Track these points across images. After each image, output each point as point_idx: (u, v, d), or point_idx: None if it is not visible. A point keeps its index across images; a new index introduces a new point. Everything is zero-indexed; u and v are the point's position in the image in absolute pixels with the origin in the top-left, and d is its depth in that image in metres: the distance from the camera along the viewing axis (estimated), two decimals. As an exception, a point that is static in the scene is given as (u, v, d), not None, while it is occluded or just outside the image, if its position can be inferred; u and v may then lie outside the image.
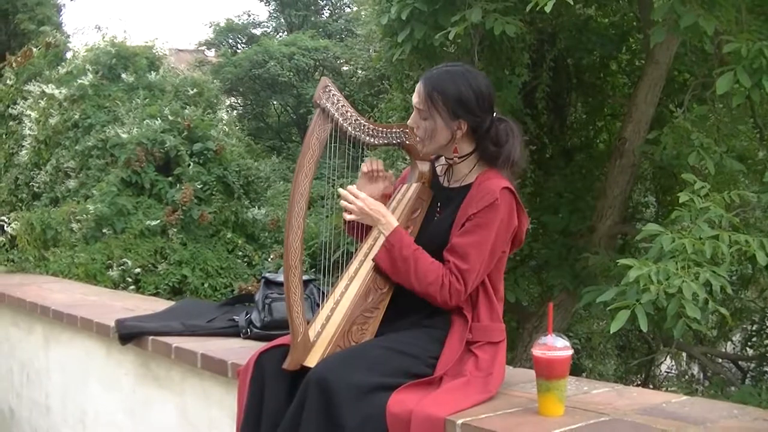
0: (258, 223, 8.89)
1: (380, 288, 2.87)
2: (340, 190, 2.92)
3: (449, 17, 6.87)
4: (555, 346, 2.48)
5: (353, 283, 2.89)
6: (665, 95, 8.67)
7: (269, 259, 8.52)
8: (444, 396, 2.58)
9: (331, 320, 2.84)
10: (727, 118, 7.40)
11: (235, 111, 19.27)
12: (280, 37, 24.09)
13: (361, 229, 3.03)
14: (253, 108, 22.33)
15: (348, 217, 2.90)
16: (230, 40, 24.96)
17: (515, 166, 2.92)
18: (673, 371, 12.17)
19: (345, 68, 20.23)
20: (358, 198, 2.88)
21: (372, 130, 2.95)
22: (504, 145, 2.89)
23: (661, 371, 12.17)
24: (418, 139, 2.96)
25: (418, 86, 2.93)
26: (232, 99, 20.83)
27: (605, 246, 8.34)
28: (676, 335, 5.59)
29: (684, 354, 11.03)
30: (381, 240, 2.91)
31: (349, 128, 2.88)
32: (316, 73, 21.29)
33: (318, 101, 2.82)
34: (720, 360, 10.91)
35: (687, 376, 11.69)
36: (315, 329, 2.83)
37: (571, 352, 2.50)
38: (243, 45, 24.59)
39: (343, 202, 2.90)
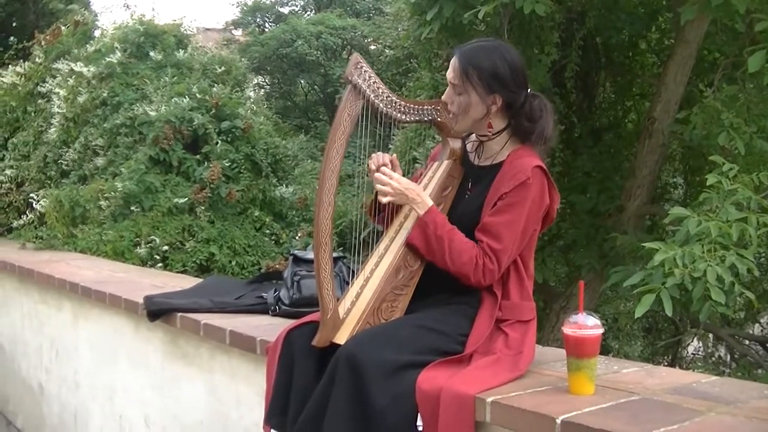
0: (285, 202, 8.88)
1: (410, 265, 2.87)
2: (376, 174, 2.90)
3: (479, -5, 6.83)
4: (586, 325, 2.47)
5: (383, 260, 2.89)
6: (695, 75, 8.60)
7: (296, 237, 8.52)
8: (474, 373, 2.58)
9: (360, 297, 2.84)
10: (758, 98, 7.34)
11: (262, 90, 19.29)
12: (308, 16, 24.06)
13: (385, 215, 3.02)
14: (281, 87, 22.34)
15: (384, 199, 2.88)
16: (258, 19, 24.94)
17: (548, 142, 2.92)
18: (700, 353, 12.13)
19: (372, 47, 20.19)
20: (392, 179, 2.87)
21: (404, 107, 2.92)
22: (538, 120, 2.88)
23: (688, 353, 12.13)
24: (452, 114, 2.95)
25: (453, 61, 2.91)
26: (260, 78, 20.83)
27: (633, 226, 8.31)
28: (702, 318, 5.58)
29: (711, 335, 10.99)
30: (411, 217, 2.91)
31: (381, 105, 2.86)
32: (344, 52, 21.28)
33: (350, 77, 2.80)
34: (747, 342, 10.86)
35: (714, 358, 11.66)
36: (345, 306, 2.83)
37: (601, 330, 2.49)
38: (270, 24, 24.57)
39: (377, 185, 2.89)
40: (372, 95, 2.84)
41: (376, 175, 2.90)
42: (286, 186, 8.99)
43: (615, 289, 8.31)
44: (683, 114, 7.43)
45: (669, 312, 5.31)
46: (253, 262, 8.04)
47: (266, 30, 23.62)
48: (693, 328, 9.63)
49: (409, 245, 2.87)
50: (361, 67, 2.83)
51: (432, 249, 2.81)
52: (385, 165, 2.99)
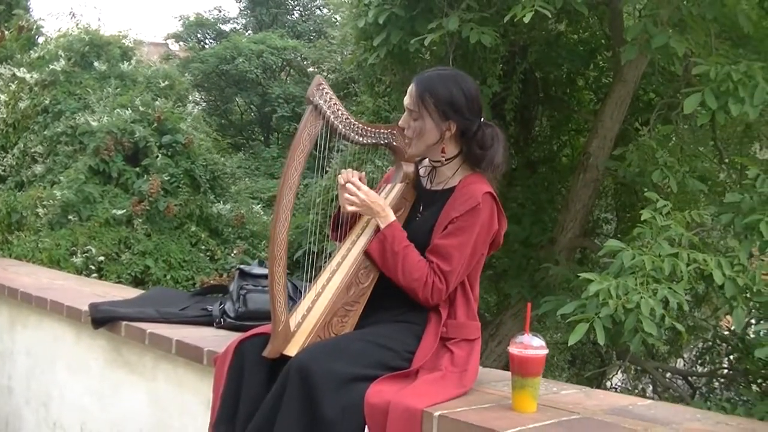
0: (222, 218, 8.93)
1: (361, 282, 2.94)
2: (347, 184, 2.99)
3: (426, 24, 6.96)
4: (531, 345, 2.58)
5: (335, 276, 2.96)
6: (630, 113, 8.81)
7: (232, 254, 8.57)
8: (421, 388, 2.66)
9: (312, 311, 2.90)
10: (691, 139, 7.56)
11: (198, 107, 19.28)
12: (249, 35, 24.03)
13: (342, 232, 3.10)
14: (217, 105, 22.26)
15: (349, 208, 2.98)
16: (198, 35, 24.84)
17: (498, 170, 3.02)
18: (624, 385, 12.31)
19: (311, 69, 20.27)
20: (360, 190, 2.96)
21: (362, 130, 3.01)
22: (489, 148, 2.98)
23: (612, 384, 12.30)
24: (407, 140, 3.04)
25: (410, 88, 3.01)
26: (197, 95, 20.79)
27: (565, 258, 8.46)
28: (633, 349, 5.72)
29: (634, 368, 11.18)
30: (365, 234, 2.99)
31: (340, 126, 2.94)
32: (282, 73, 21.32)
33: (311, 98, 2.88)
34: (670, 375, 11.06)
35: (638, 391, 11.83)
36: (296, 319, 2.89)
37: (546, 351, 2.60)
38: (211, 41, 24.50)
39: (345, 195, 2.98)
40: (332, 116, 2.92)
41: (347, 185, 2.99)
42: (224, 203, 9.04)
43: (543, 320, 8.45)
44: (619, 151, 7.61)
45: (602, 341, 5.45)
46: (187, 277, 8.08)
47: (206, 46, 23.56)
48: (618, 360, 9.80)
49: (366, 254, 2.96)
50: (323, 88, 2.91)
51: (387, 262, 2.91)
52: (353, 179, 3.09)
